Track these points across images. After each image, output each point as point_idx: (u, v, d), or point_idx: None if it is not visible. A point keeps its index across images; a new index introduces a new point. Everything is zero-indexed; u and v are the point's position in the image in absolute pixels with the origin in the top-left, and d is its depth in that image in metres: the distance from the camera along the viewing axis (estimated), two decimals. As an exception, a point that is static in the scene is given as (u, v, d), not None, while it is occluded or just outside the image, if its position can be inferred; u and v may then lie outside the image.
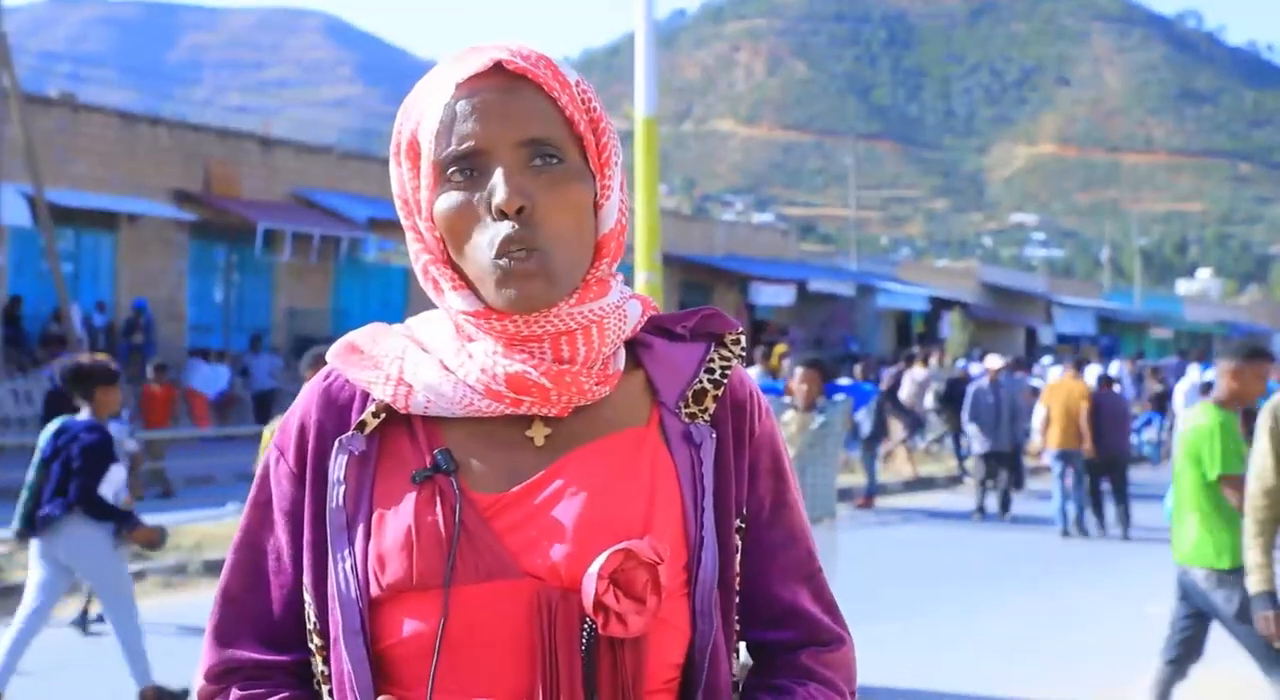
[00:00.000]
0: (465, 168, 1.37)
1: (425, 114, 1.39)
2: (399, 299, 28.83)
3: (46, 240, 19.83)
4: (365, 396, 1.45)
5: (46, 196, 19.75)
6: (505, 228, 1.34)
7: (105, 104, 26.78)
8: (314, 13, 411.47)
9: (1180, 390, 19.83)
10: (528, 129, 1.36)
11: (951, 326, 39.88)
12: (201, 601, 9.49)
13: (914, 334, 41.87)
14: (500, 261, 1.35)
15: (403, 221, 1.46)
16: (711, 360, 1.49)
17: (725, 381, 1.48)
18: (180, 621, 8.89)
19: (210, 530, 12.00)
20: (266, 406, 21.66)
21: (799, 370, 7.61)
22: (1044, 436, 14.08)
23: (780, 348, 18.42)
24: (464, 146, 1.36)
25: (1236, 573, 5.50)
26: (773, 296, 35.88)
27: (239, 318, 26.25)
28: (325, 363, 5.78)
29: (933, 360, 21.90)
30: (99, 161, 23.20)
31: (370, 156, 31.03)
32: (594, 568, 1.32)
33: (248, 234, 24.47)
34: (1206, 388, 13.03)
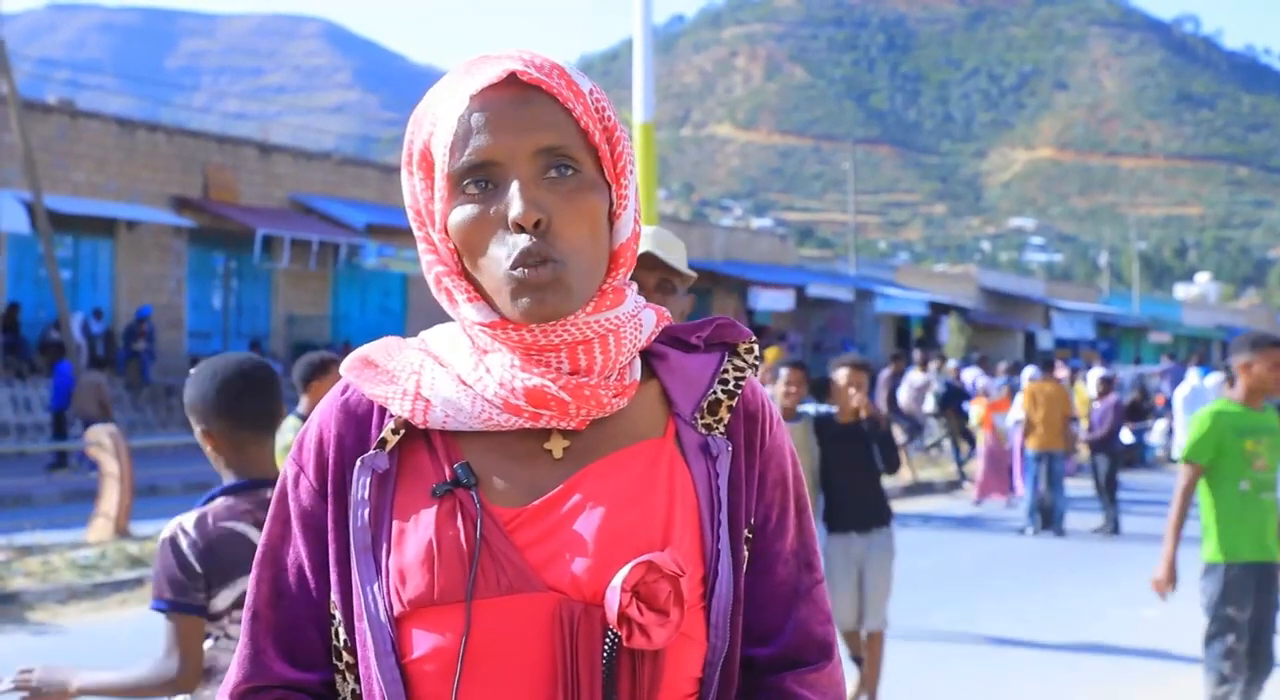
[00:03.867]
0: (480, 179, 1.36)
1: (438, 125, 1.38)
2: (398, 305, 28.83)
3: (45, 247, 19.82)
4: (383, 410, 1.44)
5: (45, 203, 19.75)
6: (522, 240, 1.34)
7: (103, 110, 26.79)
8: (313, 18, 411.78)
9: (1179, 395, 19.84)
10: (543, 139, 1.35)
11: (950, 331, 39.91)
12: (201, 608, 9.47)
13: (912, 339, 41.90)
14: (516, 272, 1.34)
15: (415, 232, 1.45)
16: (725, 371, 1.49)
17: (739, 392, 1.48)
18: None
19: (209, 537, 11.98)
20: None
21: (784, 371, 6.82)
22: (1024, 437, 14.36)
23: (772, 350, 18.36)
24: (479, 158, 1.35)
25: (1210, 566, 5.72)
26: (771, 302, 35.89)
27: (238, 324, 26.25)
28: (323, 369, 5.72)
29: (932, 365, 21.90)
30: (97, 168, 23.21)
31: (369, 162, 31.05)
32: (617, 580, 1.32)
33: (246, 240, 24.48)
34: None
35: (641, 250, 2.83)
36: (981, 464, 16.64)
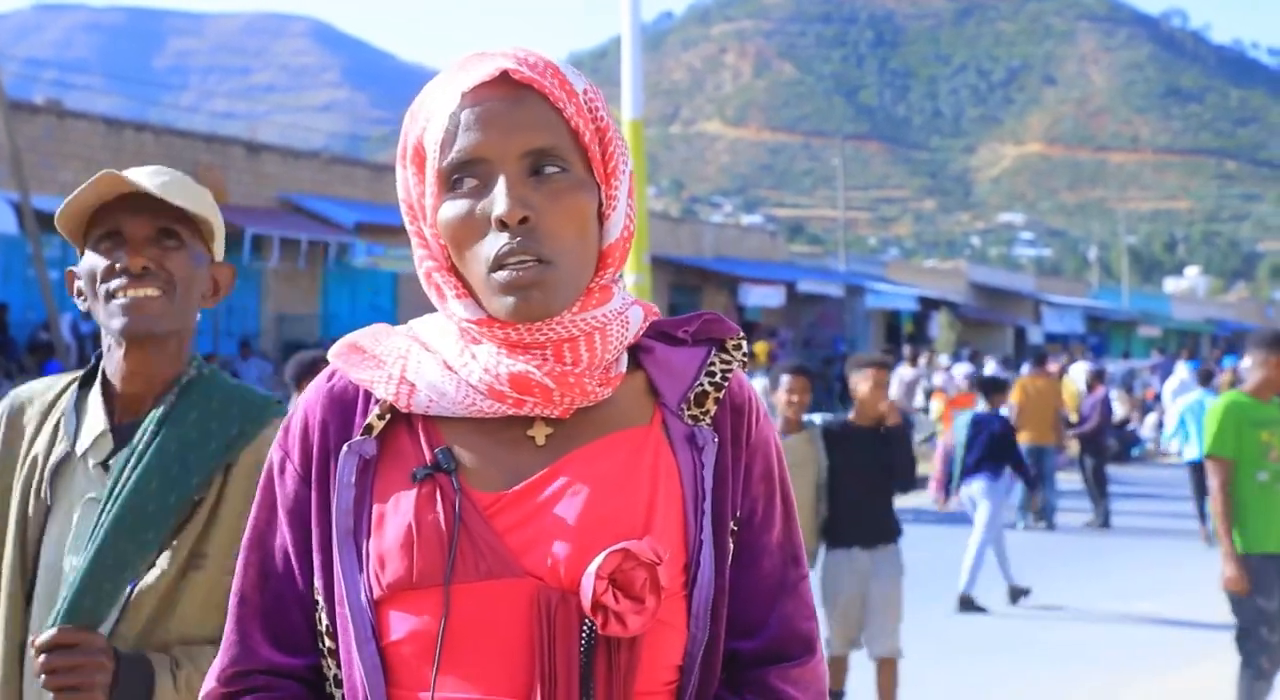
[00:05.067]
0: (469, 176, 1.37)
1: (431, 120, 1.39)
2: (388, 303, 28.79)
3: (33, 247, 19.77)
4: (368, 396, 1.45)
5: (33, 203, 19.69)
6: (506, 238, 1.35)
7: (91, 110, 26.74)
8: (300, 17, 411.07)
9: (1169, 388, 19.89)
10: (531, 140, 1.36)
11: (940, 326, 39.96)
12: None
13: (903, 334, 41.94)
14: (500, 273, 1.35)
15: (407, 226, 1.46)
16: (712, 364, 1.49)
17: (726, 384, 1.48)
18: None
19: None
20: (256, 412, 21.63)
21: (785, 378, 6.18)
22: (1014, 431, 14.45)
23: (761, 345, 18.32)
24: (468, 155, 1.36)
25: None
26: (762, 298, 35.88)
27: (227, 323, 26.19)
28: (315, 369, 5.75)
29: (921, 360, 21.94)
30: (85, 168, 23.10)
31: (358, 161, 31.00)
32: (592, 567, 1.32)
33: (235, 239, 24.41)
34: (1206, 377, 14.14)
35: (130, 184, 2.08)
36: (938, 463, 16.61)
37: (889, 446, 6.17)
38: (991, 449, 9.98)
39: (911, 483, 6.39)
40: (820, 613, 5.49)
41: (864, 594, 6.19)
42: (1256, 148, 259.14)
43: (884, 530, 6.25)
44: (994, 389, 10.60)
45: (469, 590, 1.35)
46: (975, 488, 10.03)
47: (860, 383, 6.17)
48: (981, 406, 10.44)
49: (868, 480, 6.13)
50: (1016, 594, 9.84)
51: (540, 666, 1.34)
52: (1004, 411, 10.42)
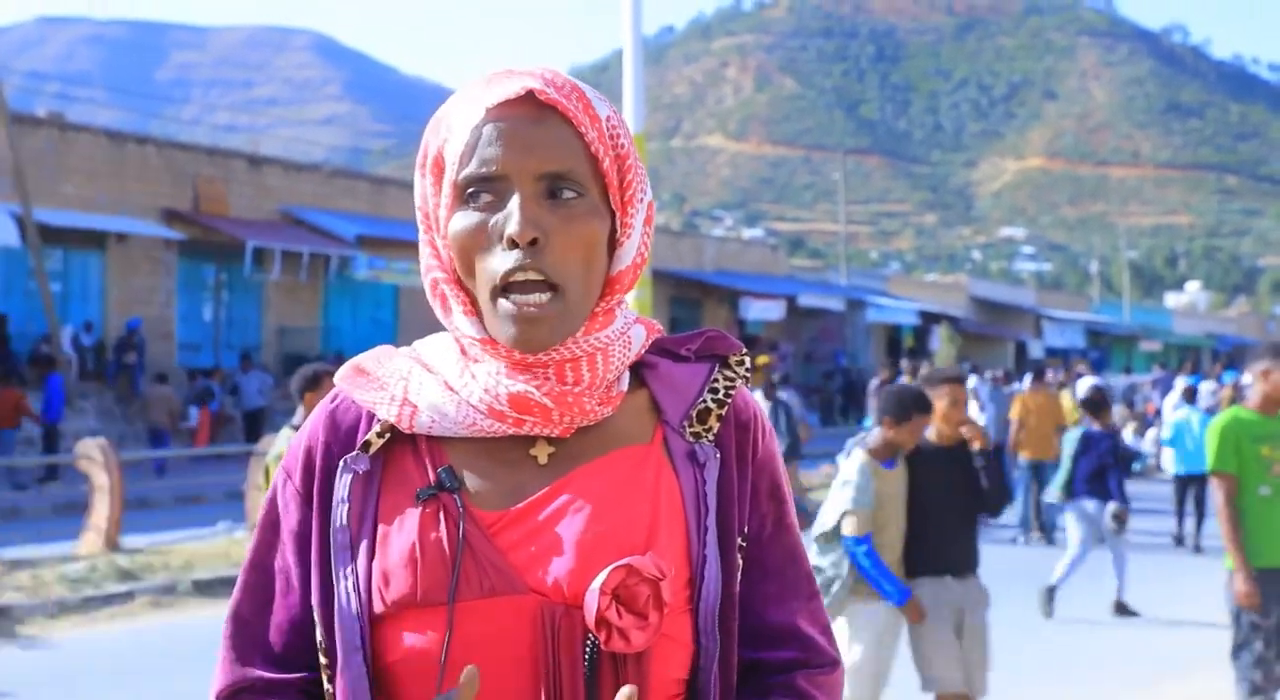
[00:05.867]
0: (484, 191, 1.38)
1: (453, 132, 1.40)
2: (389, 317, 28.81)
3: (35, 260, 19.82)
4: (371, 417, 1.46)
5: (35, 216, 19.74)
6: (515, 257, 1.35)
7: (93, 123, 26.79)
8: (303, 31, 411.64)
9: (1169, 403, 19.89)
10: (549, 162, 1.37)
11: (940, 340, 39.96)
12: (191, 621, 9.47)
13: (903, 348, 41.95)
14: (505, 302, 1.37)
15: (420, 234, 1.48)
16: (715, 381, 1.50)
17: (729, 401, 1.49)
18: (170, 642, 8.84)
19: (200, 549, 11.96)
20: (256, 425, 21.63)
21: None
22: (1014, 446, 14.49)
23: (763, 358, 18.25)
24: (485, 170, 1.37)
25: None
26: (762, 311, 35.91)
27: (228, 336, 26.21)
28: (318, 381, 5.76)
29: (921, 374, 21.92)
30: (87, 181, 23.18)
31: (360, 174, 31.04)
32: (596, 583, 1.33)
33: (237, 252, 24.45)
34: (1190, 394, 14.51)
35: None
36: None
37: (974, 469, 5.70)
38: (1102, 468, 10.11)
39: (1001, 509, 5.88)
40: (851, 644, 5.44)
41: (958, 626, 5.73)
42: (1257, 163, 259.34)
43: (972, 558, 5.80)
44: (1100, 407, 10.62)
45: (473, 608, 1.36)
46: (1089, 506, 10.25)
47: (936, 400, 5.63)
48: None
49: (952, 504, 5.66)
50: (1049, 603, 9.90)
51: (546, 683, 1.35)
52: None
